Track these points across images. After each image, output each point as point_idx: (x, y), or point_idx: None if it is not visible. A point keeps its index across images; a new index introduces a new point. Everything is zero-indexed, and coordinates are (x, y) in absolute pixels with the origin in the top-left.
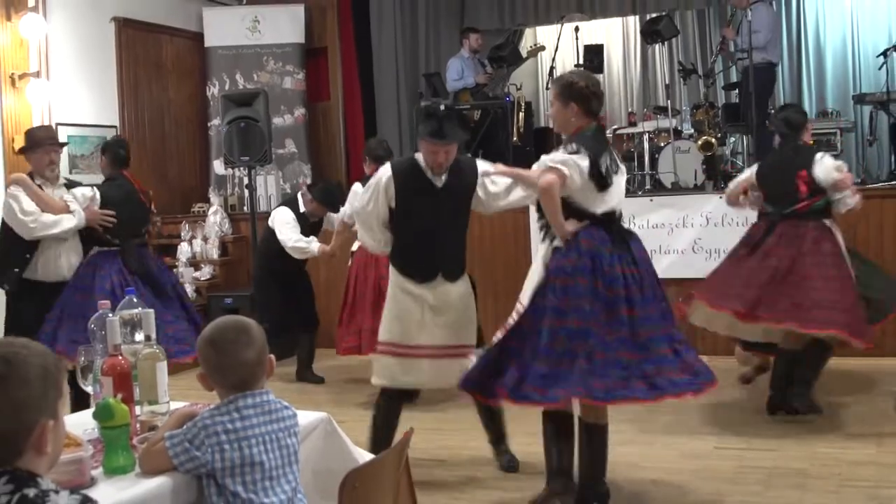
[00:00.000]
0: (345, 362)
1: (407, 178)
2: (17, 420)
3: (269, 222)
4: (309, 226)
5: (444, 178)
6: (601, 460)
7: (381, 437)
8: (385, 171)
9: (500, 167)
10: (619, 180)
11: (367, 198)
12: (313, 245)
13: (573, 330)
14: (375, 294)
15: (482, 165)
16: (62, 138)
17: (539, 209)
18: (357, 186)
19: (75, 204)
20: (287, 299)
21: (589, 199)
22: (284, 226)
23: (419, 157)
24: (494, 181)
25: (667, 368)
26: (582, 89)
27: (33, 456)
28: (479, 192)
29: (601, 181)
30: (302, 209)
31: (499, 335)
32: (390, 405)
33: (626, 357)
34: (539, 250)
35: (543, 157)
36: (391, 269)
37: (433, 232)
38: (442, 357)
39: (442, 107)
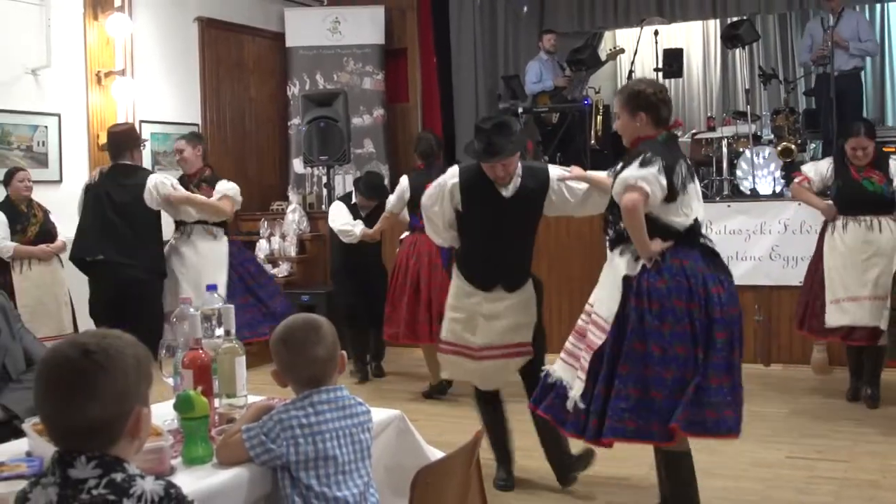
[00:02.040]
0: (418, 361)
1: (473, 187)
2: (119, 408)
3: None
4: (365, 218)
5: (511, 187)
6: (694, 490)
7: (494, 437)
8: (452, 175)
9: (576, 170)
10: (695, 190)
11: (433, 198)
12: (357, 228)
13: (680, 357)
14: (414, 286)
15: (556, 171)
16: (145, 136)
17: (608, 220)
18: (405, 179)
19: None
20: (356, 292)
21: (669, 213)
22: (335, 213)
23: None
24: (571, 187)
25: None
26: (650, 97)
27: (127, 442)
28: (553, 197)
29: (674, 195)
30: (354, 201)
31: (586, 357)
32: (483, 407)
33: (717, 383)
34: (615, 262)
35: (625, 174)
36: (454, 266)
37: (496, 242)
38: (496, 358)
39: (489, 123)
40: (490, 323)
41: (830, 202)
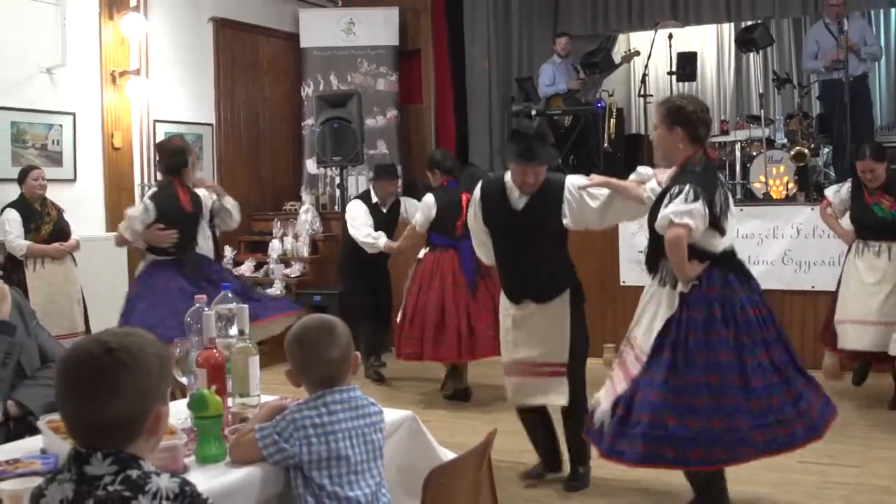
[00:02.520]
0: (426, 364)
1: (491, 199)
2: (140, 406)
3: (346, 215)
4: (384, 217)
5: (525, 199)
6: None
7: (537, 447)
8: (477, 190)
9: (596, 178)
10: (731, 213)
11: (471, 215)
12: (381, 241)
13: (734, 385)
14: (439, 305)
15: (576, 179)
16: (159, 136)
17: (649, 245)
18: (430, 197)
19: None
20: (364, 292)
21: (707, 238)
22: (354, 220)
23: (508, 175)
24: (592, 195)
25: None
26: (689, 114)
27: (144, 440)
28: (574, 205)
29: (718, 224)
30: (374, 200)
31: (623, 384)
32: (523, 417)
33: (778, 402)
34: (656, 293)
35: (671, 209)
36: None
37: (514, 254)
38: (526, 375)
39: (531, 129)
40: (518, 335)
41: (850, 229)
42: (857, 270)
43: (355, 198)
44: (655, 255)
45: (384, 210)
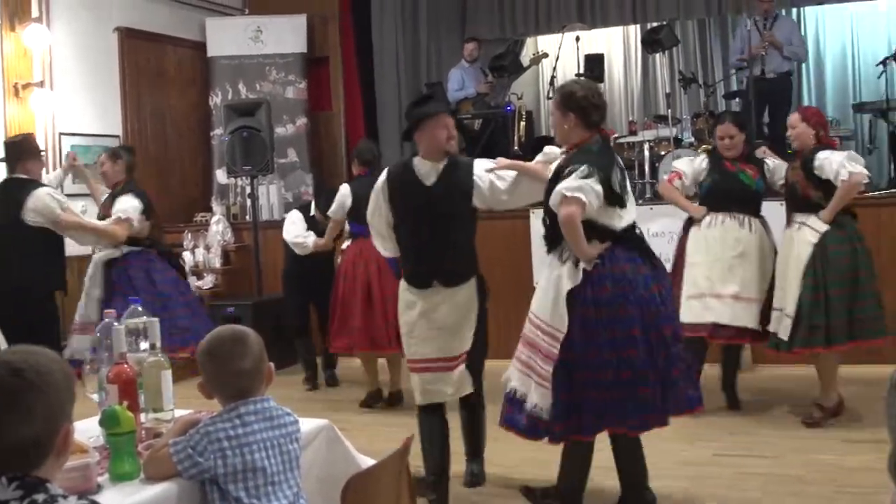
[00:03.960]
0: (346, 368)
1: (398, 179)
2: (50, 426)
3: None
4: (320, 228)
5: (435, 176)
6: (644, 466)
7: (428, 455)
8: (382, 175)
9: (503, 161)
10: (629, 192)
11: (372, 205)
12: (310, 239)
13: (634, 360)
14: (365, 293)
15: (483, 162)
16: (65, 148)
17: (545, 224)
18: (345, 186)
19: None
20: (307, 299)
21: (606, 216)
22: (290, 224)
23: (415, 158)
24: (500, 176)
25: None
26: (580, 99)
27: (53, 460)
28: (483, 187)
29: (616, 200)
30: (312, 213)
31: (542, 365)
32: (426, 420)
33: (676, 373)
34: (557, 272)
35: (562, 185)
36: (402, 279)
37: (425, 234)
38: (437, 370)
39: (426, 92)
40: (429, 329)
41: (700, 205)
42: (713, 241)
43: (296, 208)
44: (553, 234)
45: (319, 227)
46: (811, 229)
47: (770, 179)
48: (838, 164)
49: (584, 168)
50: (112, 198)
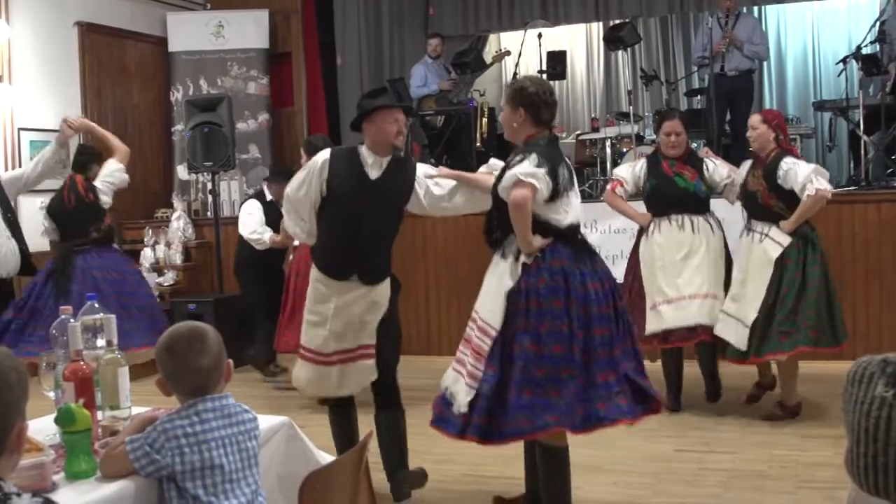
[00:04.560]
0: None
1: (342, 164)
2: (3, 423)
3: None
4: (278, 212)
5: (380, 171)
6: (567, 484)
7: (343, 447)
8: (322, 154)
9: (444, 170)
10: (575, 191)
11: (301, 181)
12: (266, 235)
13: (556, 356)
14: None
15: (425, 168)
16: (24, 144)
17: (491, 221)
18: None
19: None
20: (262, 290)
21: (551, 211)
22: (247, 217)
23: (362, 147)
24: (438, 183)
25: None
26: (531, 96)
27: (6, 458)
28: (420, 193)
29: (558, 195)
30: (269, 197)
31: (472, 362)
32: (336, 413)
33: (604, 379)
34: (499, 267)
35: (516, 170)
36: (312, 266)
37: (356, 226)
38: (346, 362)
39: (382, 85)
40: (335, 321)
41: (645, 212)
42: (659, 249)
43: (249, 197)
44: (498, 229)
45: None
46: (774, 242)
47: (710, 180)
48: (804, 178)
49: (534, 157)
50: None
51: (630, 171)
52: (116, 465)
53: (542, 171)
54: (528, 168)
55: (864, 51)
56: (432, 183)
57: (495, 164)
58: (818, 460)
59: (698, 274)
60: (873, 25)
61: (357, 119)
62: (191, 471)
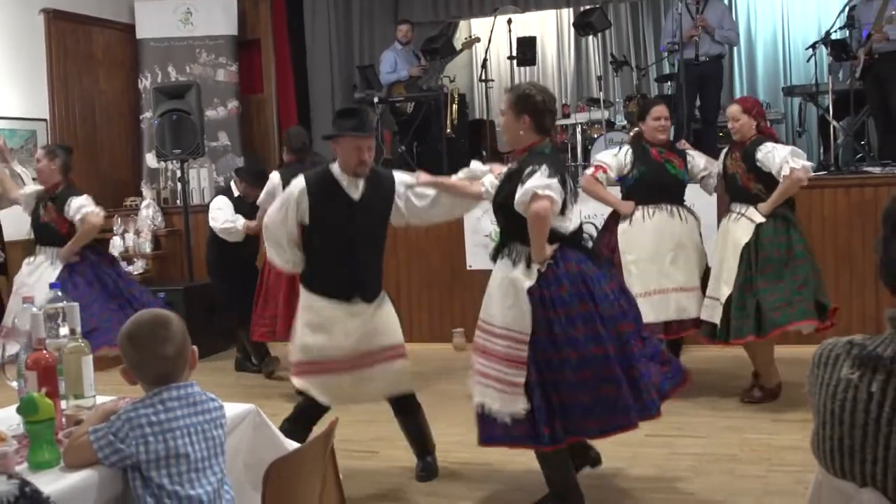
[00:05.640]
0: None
1: (321, 191)
2: None
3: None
4: (248, 207)
5: (360, 190)
6: (570, 472)
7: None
8: (298, 184)
9: (424, 177)
10: (575, 198)
11: (278, 212)
12: (239, 222)
13: (598, 357)
14: (289, 280)
15: (403, 177)
16: None
17: (505, 230)
18: (275, 175)
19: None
20: (238, 288)
21: (558, 219)
22: (217, 212)
23: (334, 167)
24: (419, 194)
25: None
26: (537, 104)
27: None
28: (400, 204)
29: (567, 204)
30: (236, 193)
31: (507, 370)
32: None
33: (644, 369)
34: (512, 275)
35: (533, 183)
36: (302, 291)
37: (350, 248)
38: (363, 367)
39: (359, 106)
40: (350, 335)
41: (629, 201)
42: (648, 237)
43: (217, 194)
44: (508, 237)
45: (247, 202)
46: (748, 220)
47: (690, 171)
48: (781, 160)
49: (545, 168)
50: (53, 200)
51: (614, 157)
52: (80, 454)
53: (555, 182)
54: (543, 181)
55: (834, 36)
56: (412, 193)
57: (476, 168)
58: (789, 444)
59: (690, 265)
60: (842, 11)
61: (328, 136)
62: (155, 460)
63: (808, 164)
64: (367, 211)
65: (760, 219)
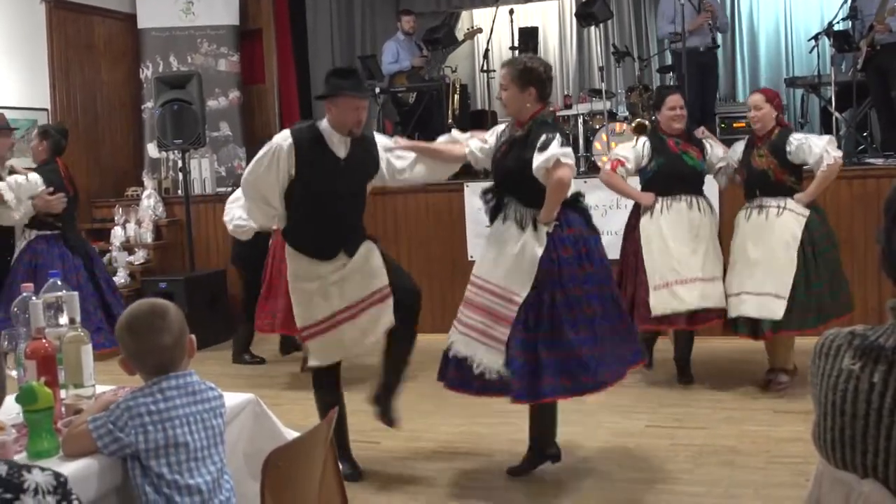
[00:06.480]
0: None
1: (309, 147)
2: None
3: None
4: None
5: (346, 149)
6: (554, 424)
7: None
8: (284, 137)
9: (402, 141)
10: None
11: (265, 165)
12: (251, 221)
13: (595, 316)
14: None
15: (383, 140)
16: None
17: (508, 192)
18: None
19: (10, 194)
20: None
21: None
22: (231, 203)
23: (322, 124)
24: (400, 156)
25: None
26: (541, 74)
27: None
28: (382, 167)
29: None
30: None
31: (492, 325)
32: (324, 379)
33: (624, 327)
34: (509, 232)
35: (553, 152)
36: (287, 248)
37: (335, 206)
38: (358, 314)
39: (354, 67)
40: (341, 286)
41: (649, 192)
42: (668, 228)
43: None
44: (511, 198)
45: None
46: (795, 214)
47: (709, 161)
48: (821, 150)
49: (558, 136)
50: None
51: (632, 150)
52: (79, 443)
53: (569, 150)
54: (561, 149)
55: (836, 27)
56: (392, 155)
57: (457, 135)
58: (789, 435)
59: (711, 255)
60: (845, 2)
61: (322, 95)
62: (155, 449)
63: (840, 153)
64: (353, 170)
65: (806, 211)
